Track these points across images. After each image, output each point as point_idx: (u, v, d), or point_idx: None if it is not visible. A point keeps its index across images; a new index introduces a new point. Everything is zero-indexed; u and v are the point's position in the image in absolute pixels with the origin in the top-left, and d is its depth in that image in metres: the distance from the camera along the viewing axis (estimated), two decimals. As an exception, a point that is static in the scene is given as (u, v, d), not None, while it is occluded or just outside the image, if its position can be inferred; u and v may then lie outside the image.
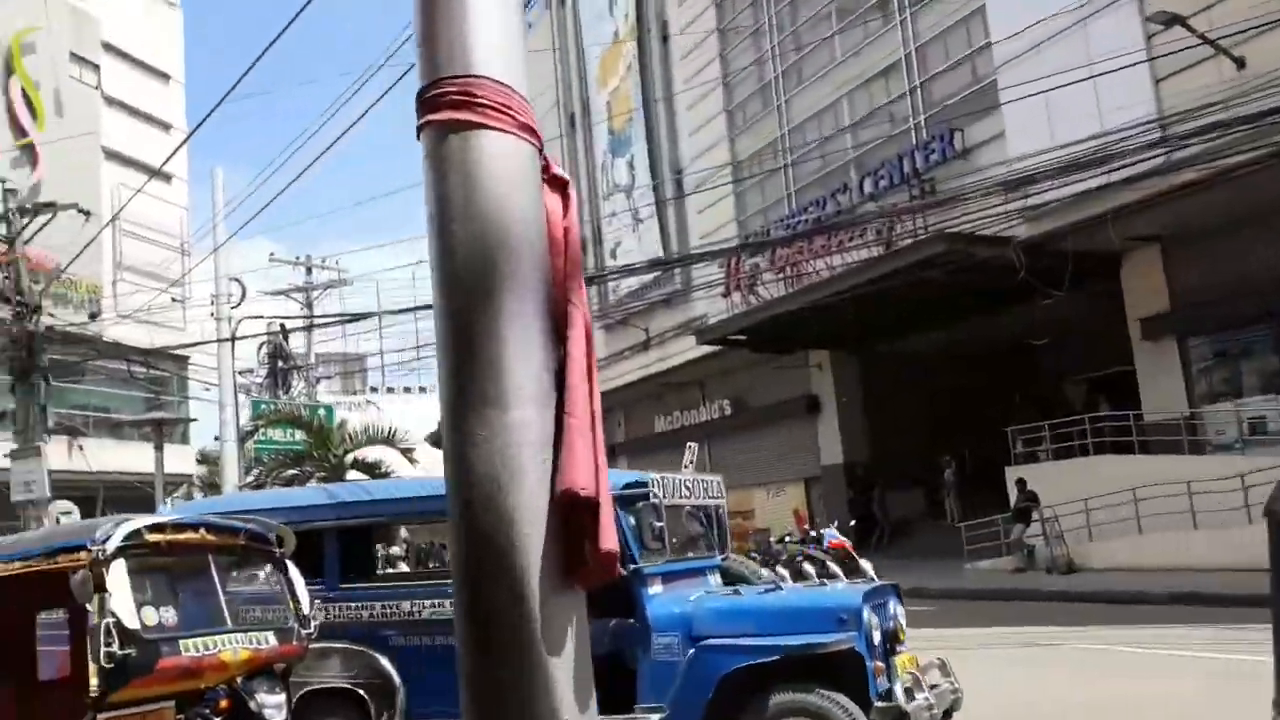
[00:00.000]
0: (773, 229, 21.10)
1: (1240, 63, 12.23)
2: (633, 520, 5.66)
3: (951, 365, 22.59)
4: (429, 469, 17.92)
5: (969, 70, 17.36)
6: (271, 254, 25.40)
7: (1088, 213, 14.42)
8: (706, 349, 22.15)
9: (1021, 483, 16.06)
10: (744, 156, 22.95)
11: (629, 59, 26.86)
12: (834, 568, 12.05)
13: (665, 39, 25.68)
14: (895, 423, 21.88)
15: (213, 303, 16.05)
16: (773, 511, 23.42)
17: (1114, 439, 15.91)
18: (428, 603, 5.87)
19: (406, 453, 18.20)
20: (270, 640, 4.71)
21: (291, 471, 17.19)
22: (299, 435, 18.40)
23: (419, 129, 1.78)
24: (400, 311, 21.62)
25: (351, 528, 6.53)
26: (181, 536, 4.57)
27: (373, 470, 16.73)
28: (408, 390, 54.95)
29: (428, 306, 26.46)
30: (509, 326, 1.66)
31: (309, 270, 26.21)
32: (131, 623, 4.07)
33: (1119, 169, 12.97)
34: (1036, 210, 14.81)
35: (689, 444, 12.28)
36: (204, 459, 37.64)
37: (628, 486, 5.79)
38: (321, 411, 19.74)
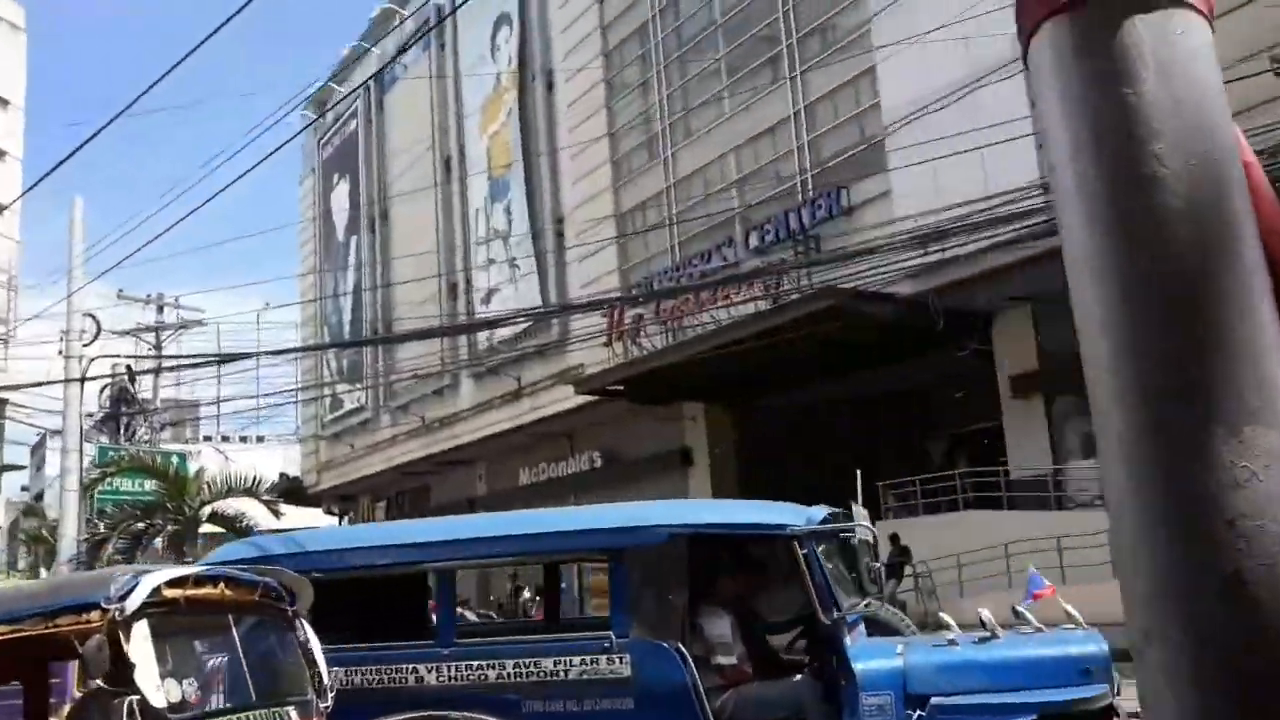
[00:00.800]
0: (657, 281, 21.03)
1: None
2: (837, 559, 5.16)
3: (826, 419, 22.90)
4: (294, 523, 16.83)
5: (857, 129, 17.81)
6: (120, 290, 23.64)
7: (965, 272, 14.86)
8: (581, 399, 21.81)
9: (894, 537, 16.20)
10: (628, 208, 22.89)
11: (510, 105, 26.64)
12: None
13: (550, 87, 25.58)
14: (767, 476, 21.83)
15: (63, 339, 14.67)
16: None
17: (982, 494, 16.33)
18: (576, 660, 4.92)
19: (270, 504, 17.02)
20: (293, 717, 3.94)
21: (140, 525, 15.76)
22: (149, 485, 16.94)
23: (1030, 29, 1.21)
24: (282, 352, 20.36)
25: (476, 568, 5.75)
26: (202, 591, 3.75)
27: (233, 524, 15.53)
28: (244, 440, 52.33)
29: (311, 348, 25.19)
30: (1257, 299, 1.07)
31: (160, 309, 24.59)
32: (158, 701, 3.29)
33: (1000, 233, 13.39)
34: (917, 269, 15.15)
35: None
36: (32, 511, 34.54)
37: (828, 519, 5.18)
38: (175, 459, 18.31)
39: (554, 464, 26.76)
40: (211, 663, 3.85)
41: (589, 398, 21.47)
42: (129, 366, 20.08)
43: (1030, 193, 13.62)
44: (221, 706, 3.69)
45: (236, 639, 3.92)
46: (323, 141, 38.50)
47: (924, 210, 14.33)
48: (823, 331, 16.46)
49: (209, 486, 16.24)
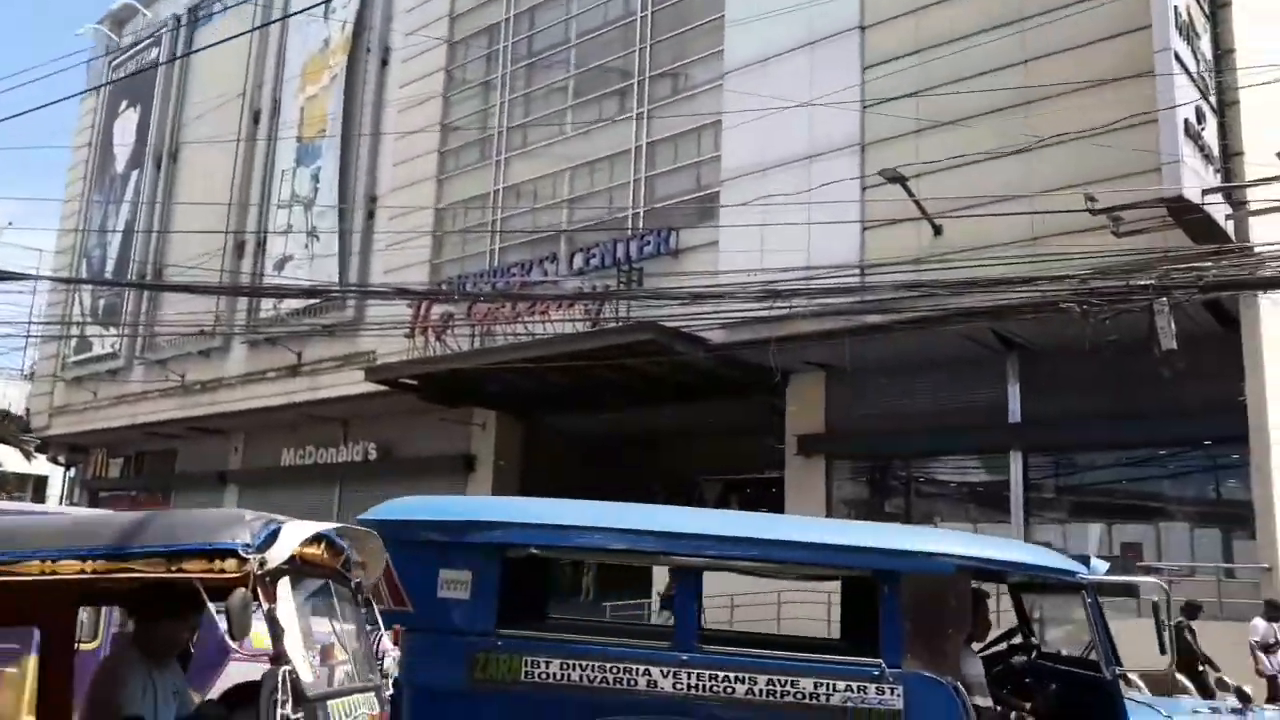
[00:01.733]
0: (470, 281, 20.83)
1: (938, 230, 14.09)
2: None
3: (612, 448, 23.43)
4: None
5: (694, 177, 18.45)
6: None
7: (772, 332, 15.68)
8: (364, 387, 21.22)
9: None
10: (449, 201, 22.54)
11: (336, 71, 25.65)
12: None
13: (385, 63, 24.84)
14: (548, 495, 22.10)
15: None
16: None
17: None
18: (841, 685, 4.45)
19: (23, 445, 15.33)
20: (375, 706, 3.55)
21: None
22: None
23: None
24: (40, 279, 18.26)
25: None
26: (308, 550, 3.29)
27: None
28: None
29: (75, 280, 22.94)
30: None
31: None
32: (306, 674, 2.91)
33: (807, 304, 14.26)
34: (732, 320, 15.84)
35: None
36: None
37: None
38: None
39: (323, 449, 25.79)
40: (320, 638, 3.45)
41: (375, 386, 20.91)
42: None
43: (846, 271, 14.71)
44: (341, 689, 3.34)
45: (337, 612, 3.56)
46: (115, 63, 35.52)
47: (749, 267, 15.09)
48: (632, 363, 16.98)
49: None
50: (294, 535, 3.13)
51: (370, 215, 23.96)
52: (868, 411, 16.50)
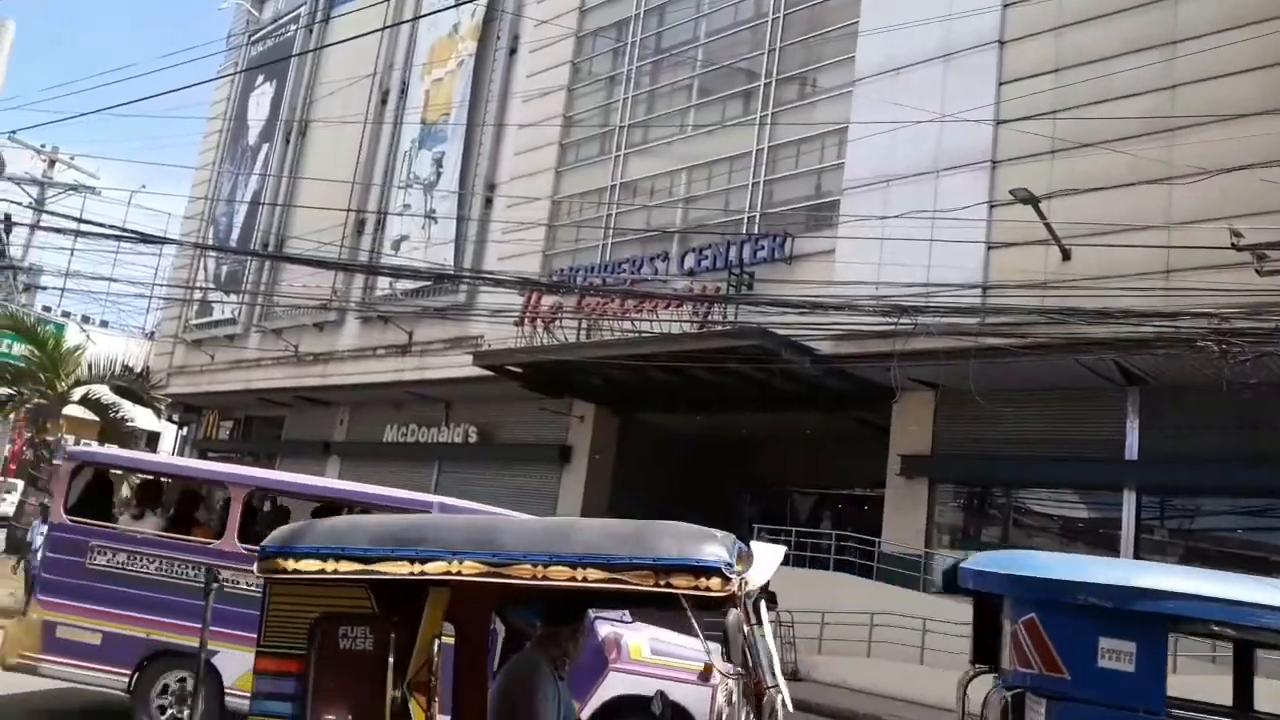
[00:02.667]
0: (580, 274, 21.13)
1: (1067, 255, 13.78)
2: None
3: (707, 451, 23.52)
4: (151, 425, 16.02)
5: (814, 184, 18.38)
6: (13, 132, 22.07)
7: (883, 347, 15.51)
8: (472, 371, 21.63)
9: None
10: (566, 194, 22.89)
11: (463, 56, 26.26)
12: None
13: (513, 52, 25.34)
14: (639, 492, 22.30)
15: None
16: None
17: (849, 559, 17.12)
18: None
19: (155, 403, 16.19)
20: None
21: (6, 391, 14.78)
22: (18, 349, 15.89)
23: None
24: (192, 245, 19.21)
25: None
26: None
27: (105, 412, 14.74)
28: (86, 320, 49.47)
29: (215, 248, 24.00)
30: None
31: (51, 164, 23.03)
32: (789, 700, 2.98)
33: (923, 323, 14.08)
34: (840, 332, 15.75)
35: None
36: None
37: None
38: (52, 328, 17.22)
39: (425, 428, 26.45)
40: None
41: (481, 371, 21.33)
42: (7, 215, 18.81)
43: (969, 290, 14.50)
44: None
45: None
46: (254, 37, 37.02)
47: (865, 279, 15.01)
48: (736, 368, 17.01)
49: (90, 367, 15.37)
50: (771, 558, 3.21)
51: (488, 202, 24.46)
52: (977, 436, 16.20)
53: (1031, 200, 13.33)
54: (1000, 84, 15.66)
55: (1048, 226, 13.56)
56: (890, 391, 17.29)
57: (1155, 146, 13.62)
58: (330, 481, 6.97)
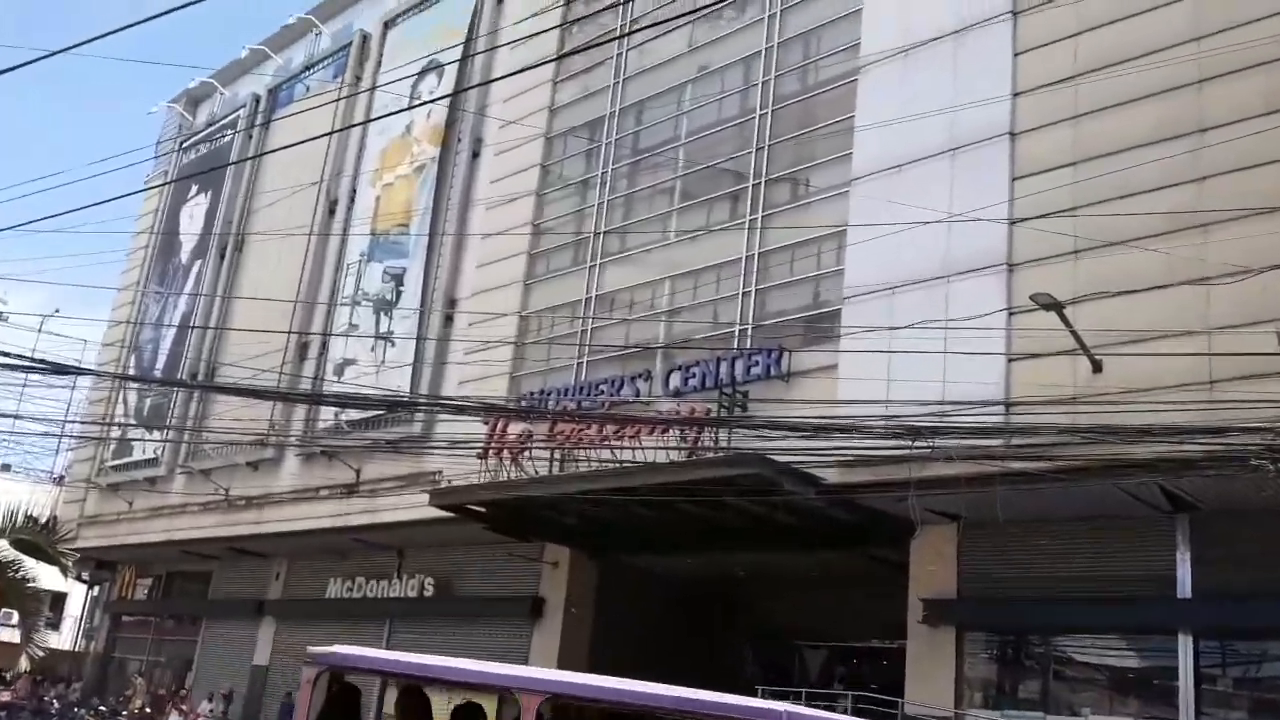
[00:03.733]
0: (553, 398, 21.22)
1: (1098, 367, 13.95)
2: None
3: (698, 598, 23.24)
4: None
5: (812, 291, 18.69)
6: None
7: (895, 474, 15.50)
8: (429, 512, 21.47)
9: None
10: (536, 309, 23.19)
11: (422, 160, 26.94)
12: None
13: (476, 155, 26.03)
14: (623, 648, 21.92)
15: None
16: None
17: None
18: None
19: (60, 558, 15.93)
20: None
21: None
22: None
23: None
24: (107, 375, 19.06)
25: None
26: None
27: (3, 571, 14.51)
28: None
29: (126, 377, 23.96)
30: None
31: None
32: None
33: (932, 444, 14.12)
34: (849, 459, 15.75)
35: None
36: None
37: None
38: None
39: (374, 581, 26.14)
40: None
41: (438, 512, 21.17)
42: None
43: (990, 409, 14.61)
44: None
45: None
46: (187, 144, 37.99)
47: (873, 398, 15.11)
48: (732, 501, 16.95)
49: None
50: None
51: (448, 320, 24.75)
52: (1009, 574, 16.06)
53: (1054, 306, 13.56)
54: (1014, 179, 16.09)
55: (1074, 334, 13.76)
56: (907, 525, 17.19)
57: (1188, 244, 13.92)
58: (644, 685, 6.16)
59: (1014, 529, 15.72)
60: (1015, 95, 16.60)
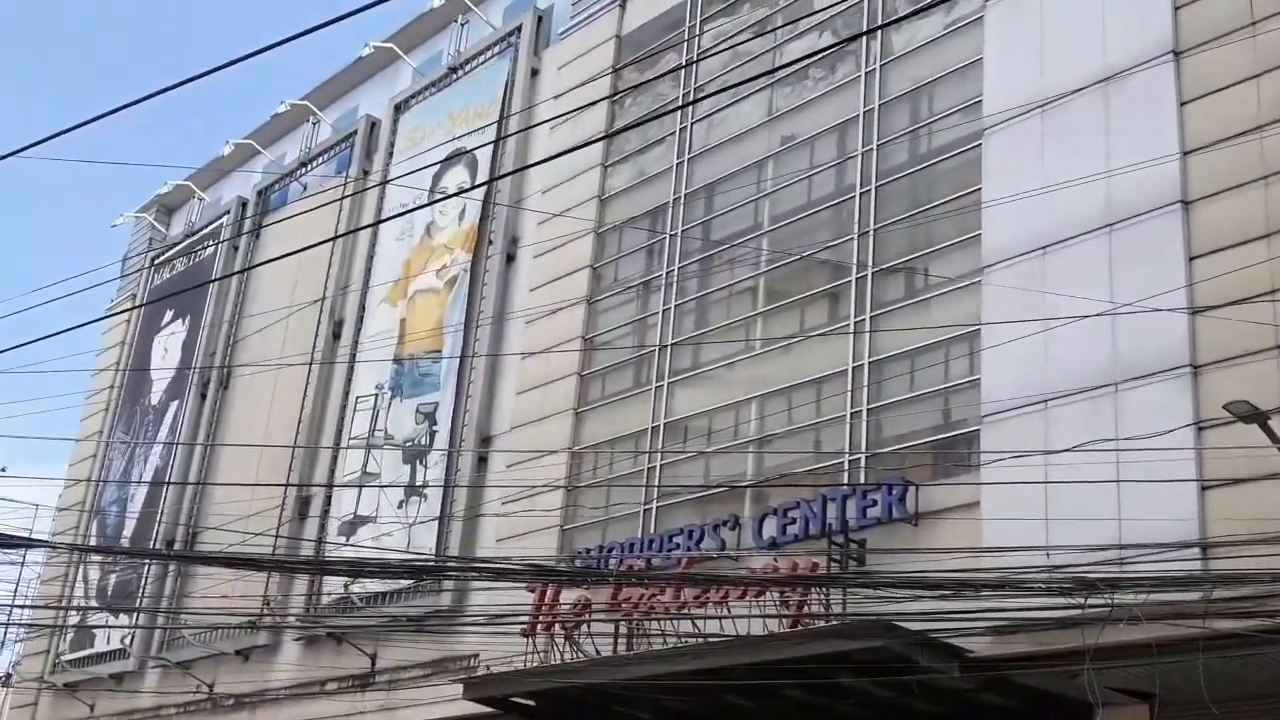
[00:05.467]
0: (615, 556, 20.93)
1: (1319, 492, 13.42)
2: None
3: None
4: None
5: (940, 410, 18.37)
6: None
7: (1065, 642, 14.93)
8: (464, 708, 21.14)
9: None
10: (589, 442, 23.07)
11: (453, 271, 27.24)
12: None
13: (511, 258, 26.28)
14: None
15: None
16: None
17: None
18: None
19: None
20: None
21: None
22: None
23: None
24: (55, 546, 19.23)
25: None
26: None
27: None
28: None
29: (81, 548, 24.06)
30: None
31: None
32: None
33: (1134, 598, 13.60)
34: (1002, 622, 15.22)
35: None
36: None
37: None
38: None
39: (398, 801, 25.58)
40: None
41: (473, 708, 20.84)
42: None
43: (1180, 553, 14.06)
44: None
45: None
46: (159, 260, 38.94)
47: (1021, 546, 14.65)
48: (851, 684, 16.39)
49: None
50: None
51: (482, 461, 24.68)
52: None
53: (1257, 417, 13.12)
54: (1191, 258, 15.81)
55: (1284, 449, 13.29)
56: (1084, 709, 16.54)
57: None
58: None
59: (1225, 709, 14.96)
60: (1185, 154, 16.43)
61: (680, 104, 24.13)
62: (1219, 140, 16.05)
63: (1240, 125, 15.89)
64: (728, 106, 22.94)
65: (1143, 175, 16.36)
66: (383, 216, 29.57)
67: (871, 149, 20.64)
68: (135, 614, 31.35)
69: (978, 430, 17.18)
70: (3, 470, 34.73)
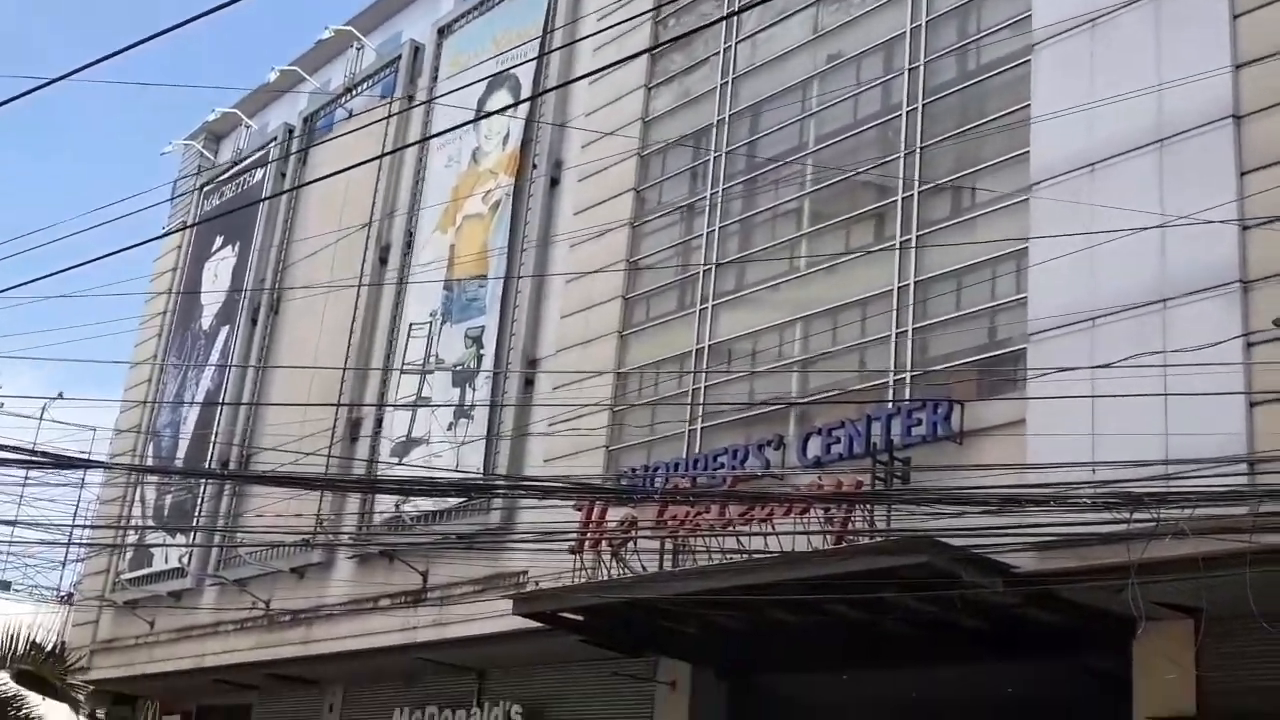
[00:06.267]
0: (660, 475, 20.98)
1: (1371, 408, 13.25)
2: None
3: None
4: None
5: (986, 327, 18.22)
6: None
7: (1109, 556, 14.84)
8: (514, 623, 21.35)
9: None
10: (634, 365, 23.06)
11: (497, 195, 27.16)
12: None
13: (555, 182, 26.16)
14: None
15: None
16: None
17: None
18: None
19: (71, 691, 16.14)
20: None
21: None
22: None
23: None
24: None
25: None
26: None
27: (4, 710, 14.71)
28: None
29: (138, 468, 24.55)
30: None
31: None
32: None
33: (1158, 515, 13.48)
34: (1048, 538, 15.15)
35: None
36: None
37: None
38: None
39: (450, 711, 26.04)
40: None
41: (524, 623, 21.03)
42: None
43: (1228, 468, 13.92)
44: None
45: None
46: (208, 188, 39.02)
47: (1069, 461, 14.56)
48: (895, 599, 16.39)
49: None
50: None
51: (529, 383, 24.75)
52: (1265, 683, 15.16)
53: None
54: (1242, 173, 15.51)
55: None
56: (1126, 624, 16.49)
57: None
58: None
59: (1271, 622, 14.88)
60: (1238, 67, 16.05)
61: (724, 21, 23.73)
62: (1271, 53, 15.69)
63: (1296, 35, 15.55)
64: (773, 25, 22.61)
65: (1194, 89, 16.01)
66: (428, 144, 29.37)
67: (919, 66, 20.27)
68: (192, 533, 31.82)
69: (1024, 348, 17.00)
70: (59, 395, 35.02)
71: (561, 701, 24.17)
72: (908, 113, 20.17)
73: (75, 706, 17.67)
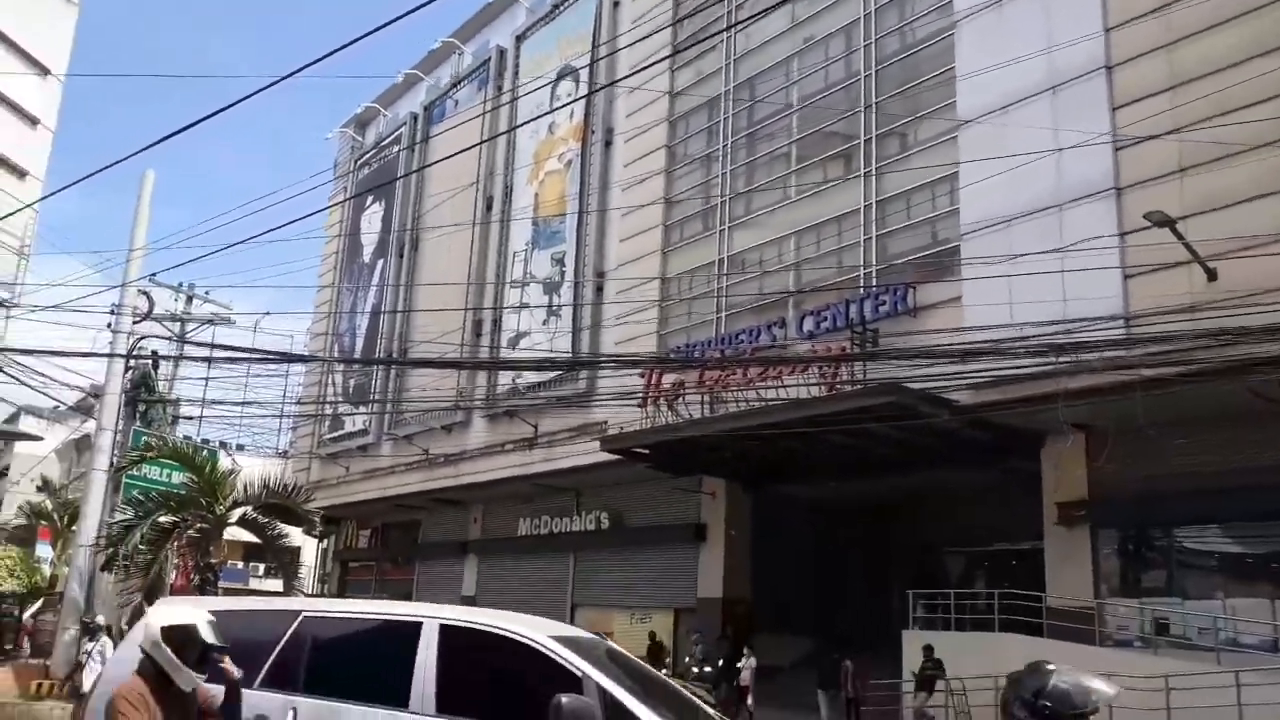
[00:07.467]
0: (698, 349, 20.90)
1: (1212, 275, 12.93)
2: None
3: (846, 517, 22.74)
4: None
5: (929, 232, 17.87)
6: (153, 275, 23.23)
7: (1025, 391, 14.71)
8: (599, 457, 21.48)
9: (929, 649, 15.89)
10: (675, 273, 22.84)
11: (569, 156, 26.72)
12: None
13: (609, 144, 25.69)
14: (781, 566, 21.70)
15: (113, 313, 14.29)
16: (630, 637, 22.62)
17: (1013, 617, 16.03)
18: None
19: (308, 518, 16.50)
20: None
21: (168, 518, 15.22)
22: (177, 477, 16.40)
23: None
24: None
25: None
26: None
27: (263, 531, 15.06)
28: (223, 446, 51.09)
29: (346, 360, 24.60)
30: None
31: (189, 299, 24.19)
32: None
33: (1074, 358, 13.32)
34: (979, 380, 15.02)
35: None
36: (46, 485, 33.28)
37: None
38: (206, 454, 17.78)
39: (557, 519, 26.37)
40: None
41: (607, 456, 21.15)
42: (155, 352, 19.58)
43: (1112, 323, 13.70)
44: None
45: None
46: (360, 161, 38.60)
47: (995, 323, 14.35)
48: (872, 428, 16.39)
49: (245, 488, 15.79)
50: None
51: (599, 290, 24.61)
52: (1137, 474, 15.09)
53: (1167, 222, 12.61)
54: (1114, 109, 15.02)
55: (1188, 246, 12.77)
56: (1037, 437, 16.46)
57: (1291, 151, 12.77)
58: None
59: (1141, 433, 14.67)
60: (1108, 30, 15.46)
61: (726, 17, 22.98)
62: (1134, 17, 15.07)
63: (1151, 5, 14.91)
64: (761, 15, 21.78)
65: (1076, 48, 15.45)
66: (515, 122, 28.83)
67: (871, 43, 19.66)
68: (370, 404, 32.09)
69: (958, 245, 16.72)
70: (267, 314, 35.19)
71: (635, 509, 24.43)
72: (864, 78, 19.59)
73: (310, 526, 18.02)
